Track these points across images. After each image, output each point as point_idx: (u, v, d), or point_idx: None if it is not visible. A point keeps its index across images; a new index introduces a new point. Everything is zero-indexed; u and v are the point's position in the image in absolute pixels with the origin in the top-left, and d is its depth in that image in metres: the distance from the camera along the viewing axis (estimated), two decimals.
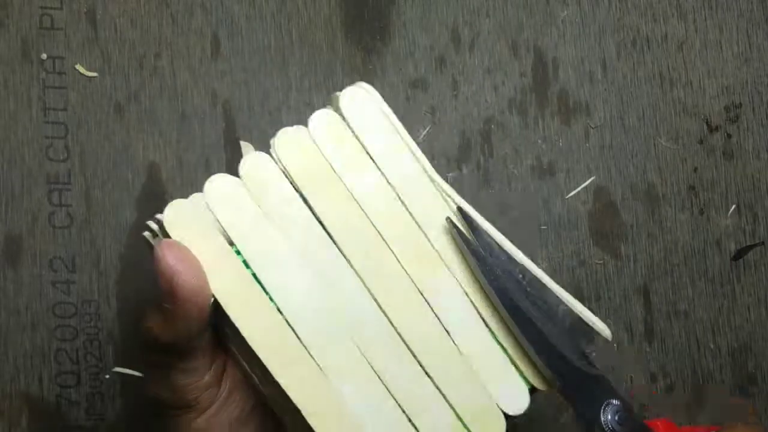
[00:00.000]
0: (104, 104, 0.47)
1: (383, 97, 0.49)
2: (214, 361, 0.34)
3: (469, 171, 0.50)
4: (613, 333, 0.50)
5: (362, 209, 0.34)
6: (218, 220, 0.32)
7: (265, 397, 0.35)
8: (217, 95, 0.48)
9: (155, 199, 0.47)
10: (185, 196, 0.47)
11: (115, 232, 0.47)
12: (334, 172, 0.34)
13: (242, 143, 0.48)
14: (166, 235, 0.32)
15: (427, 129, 0.49)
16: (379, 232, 0.34)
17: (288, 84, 0.49)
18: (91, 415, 0.46)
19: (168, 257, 0.31)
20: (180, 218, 0.32)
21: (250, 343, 0.32)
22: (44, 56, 0.47)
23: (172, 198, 0.47)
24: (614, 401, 0.34)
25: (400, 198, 0.34)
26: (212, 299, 0.32)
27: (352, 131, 0.34)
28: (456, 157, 0.49)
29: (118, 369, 0.47)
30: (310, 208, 0.33)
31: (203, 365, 0.34)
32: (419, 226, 0.34)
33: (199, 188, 0.47)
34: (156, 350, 0.33)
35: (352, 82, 0.49)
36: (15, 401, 0.46)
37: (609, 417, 0.34)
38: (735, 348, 0.50)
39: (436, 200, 0.35)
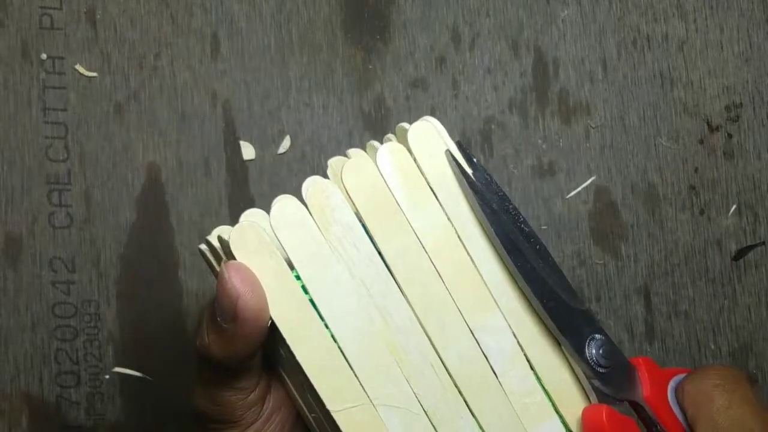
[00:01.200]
0: (104, 104, 0.47)
1: (383, 97, 0.49)
2: (260, 380, 0.35)
3: None
4: (614, 333, 0.50)
5: (421, 243, 0.34)
6: (281, 243, 0.33)
7: (308, 420, 0.36)
8: (217, 95, 0.48)
9: (155, 200, 0.47)
10: (185, 196, 0.47)
11: (115, 232, 0.47)
12: (397, 204, 0.34)
13: (242, 143, 0.48)
14: (230, 255, 0.32)
15: None
16: (435, 267, 0.34)
17: (288, 84, 0.49)
18: (91, 415, 0.46)
19: (234, 279, 0.31)
20: (245, 240, 0.32)
21: (304, 368, 0.32)
22: (44, 56, 0.47)
23: (172, 198, 0.47)
24: (597, 336, 0.35)
25: (458, 235, 0.35)
26: (270, 321, 0.32)
27: (418, 165, 0.35)
28: None
29: (118, 369, 0.47)
30: (371, 238, 0.34)
31: (251, 383, 0.34)
32: (474, 264, 0.35)
33: (199, 188, 0.48)
34: (208, 366, 0.34)
35: (352, 82, 0.49)
36: (15, 401, 0.46)
37: (594, 351, 0.34)
38: (735, 348, 0.50)
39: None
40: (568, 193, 0.50)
